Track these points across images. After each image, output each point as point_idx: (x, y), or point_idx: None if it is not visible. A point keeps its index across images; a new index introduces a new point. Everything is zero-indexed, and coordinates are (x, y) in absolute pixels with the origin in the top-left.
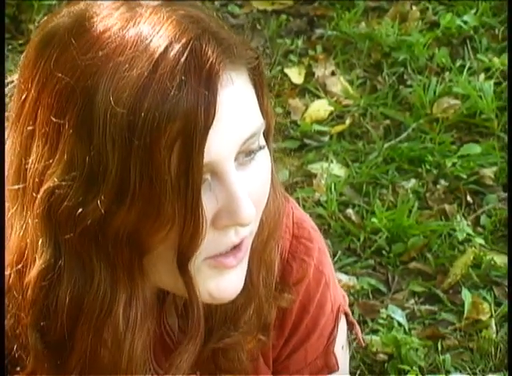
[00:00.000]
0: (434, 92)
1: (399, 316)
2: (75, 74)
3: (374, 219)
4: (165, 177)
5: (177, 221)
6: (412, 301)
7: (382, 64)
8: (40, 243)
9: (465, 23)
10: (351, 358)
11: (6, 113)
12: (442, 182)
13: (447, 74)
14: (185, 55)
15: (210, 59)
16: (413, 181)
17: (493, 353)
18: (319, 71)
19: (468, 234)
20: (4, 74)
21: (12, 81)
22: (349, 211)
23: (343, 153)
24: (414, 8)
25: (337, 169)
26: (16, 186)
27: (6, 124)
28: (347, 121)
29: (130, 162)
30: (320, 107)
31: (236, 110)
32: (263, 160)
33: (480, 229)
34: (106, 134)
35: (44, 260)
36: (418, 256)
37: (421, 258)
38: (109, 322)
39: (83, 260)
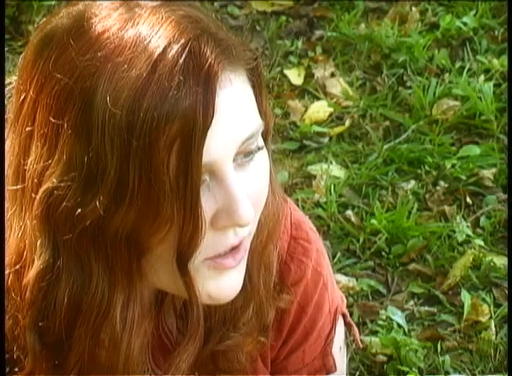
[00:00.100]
0: (434, 94)
1: (399, 317)
2: (74, 75)
3: (374, 221)
4: (164, 177)
5: (176, 221)
6: (411, 302)
7: (382, 65)
8: (38, 244)
9: (465, 24)
10: (351, 359)
11: (6, 115)
12: (442, 183)
13: (447, 75)
14: (183, 55)
15: (209, 60)
16: (413, 182)
17: (492, 355)
18: (319, 72)
19: (468, 235)
20: (4, 74)
21: (11, 83)
22: (349, 212)
23: (342, 155)
24: (414, 9)
25: (337, 170)
26: (15, 187)
27: (6, 125)
28: (347, 123)
29: (129, 162)
30: (320, 108)
31: (235, 111)
32: (262, 161)
33: (479, 231)
34: (105, 134)
35: (42, 261)
36: (417, 257)
37: (421, 260)
38: (106, 322)
39: (81, 261)
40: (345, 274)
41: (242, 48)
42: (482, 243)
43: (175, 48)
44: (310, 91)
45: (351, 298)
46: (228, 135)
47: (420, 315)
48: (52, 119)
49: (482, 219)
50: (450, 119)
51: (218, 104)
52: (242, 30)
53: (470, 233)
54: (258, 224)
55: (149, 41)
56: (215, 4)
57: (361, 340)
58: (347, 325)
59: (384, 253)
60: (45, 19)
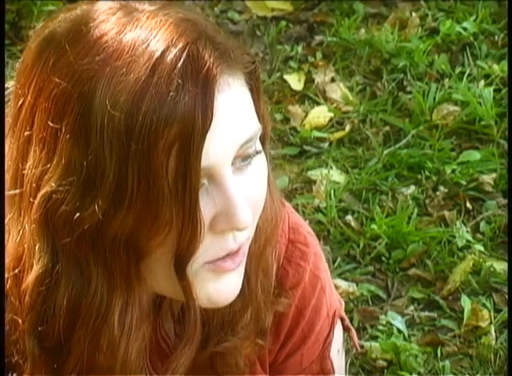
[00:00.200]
0: (434, 99)
1: (399, 322)
2: (72, 79)
3: (374, 226)
4: (163, 181)
5: (175, 225)
6: (411, 307)
7: (382, 71)
8: (37, 248)
9: (465, 29)
10: (351, 364)
11: (5, 119)
12: (442, 188)
13: (446, 80)
14: (182, 59)
15: (207, 64)
16: (413, 187)
17: (492, 360)
18: (319, 78)
19: (467, 241)
20: (4, 78)
21: (8, 88)
22: (349, 217)
23: (342, 160)
24: (414, 14)
25: (337, 175)
26: (13, 192)
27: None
28: (347, 128)
29: (128, 166)
30: (320, 114)
31: (233, 115)
32: (260, 164)
33: (479, 236)
34: (104, 138)
35: (41, 265)
36: (417, 263)
37: (421, 265)
38: (105, 326)
39: (80, 265)
40: (345, 279)
41: (240, 52)
42: (482, 248)
43: (174, 51)
44: (310, 96)
45: (351, 303)
46: (226, 138)
47: (420, 320)
48: (50, 123)
49: (482, 224)
50: (450, 124)
51: (216, 108)
52: (242, 36)
53: (470, 238)
54: (256, 228)
55: (148, 45)
56: (216, 9)
57: (361, 345)
58: (345, 328)
59: (384, 258)
60: (42, 23)
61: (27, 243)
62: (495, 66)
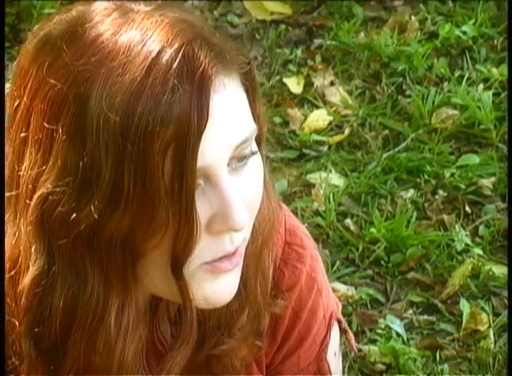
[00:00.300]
0: (433, 103)
1: (397, 326)
2: (68, 80)
3: (373, 229)
4: (159, 181)
5: (171, 225)
6: (410, 311)
7: (381, 74)
8: (33, 250)
9: (464, 33)
10: (350, 368)
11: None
12: (441, 192)
13: (446, 84)
14: (177, 60)
15: (203, 64)
16: (412, 191)
17: (491, 364)
18: (318, 81)
19: (466, 244)
20: (4, 80)
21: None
22: (348, 221)
23: (341, 163)
24: (413, 18)
25: (336, 179)
26: (9, 194)
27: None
28: (346, 131)
29: (123, 167)
30: (319, 117)
31: (229, 115)
32: (256, 165)
33: (478, 240)
34: (100, 139)
35: (37, 267)
36: (416, 266)
37: (419, 269)
38: (101, 328)
39: (76, 266)
40: (344, 283)
41: (235, 53)
42: (481, 252)
43: (169, 52)
44: (309, 99)
45: (350, 306)
46: (222, 139)
47: (418, 324)
48: (46, 124)
49: (481, 228)
50: (449, 128)
51: (212, 108)
52: (241, 39)
53: (469, 241)
54: (253, 229)
55: (143, 46)
56: (215, 12)
57: (360, 349)
58: (342, 331)
59: (382, 262)
60: (38, 25)
61: (23, 245)
62: (495, 70)
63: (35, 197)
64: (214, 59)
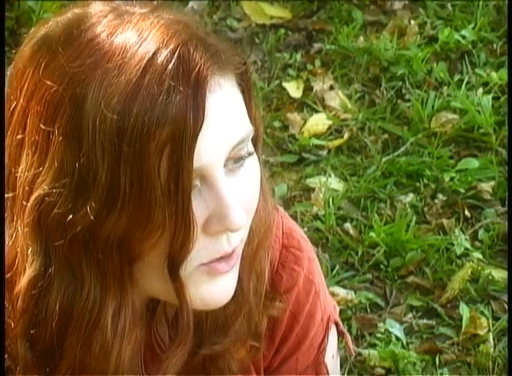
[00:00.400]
0: (433, 107)
1: (397, 330)
2: (64, 82)
3: (372, 233)
4: (155, 182)
5: (167, 226)
6: (410, 315)
7: (380, 78)
8: (30, 251)
9: (463, 37)
10: (349, 372)
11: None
12: (440, 196)
13: (445, 88)
14: (173, 60)
15: (198, 65)
16: (411, 195)
17: (491, 368)
18: (318, 85)
19: (466, 249)
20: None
21: None
22: (347, 225)
23: (341, 168)
24: (412, 22)
25: (335, 183)
26: (6, 195)
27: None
28: (346, 135)
29: (120, 168)
30: (318, 121)
31: (225, 115)
32: (252, 166)
33: (478, 244)
34: (96, 140)
35: (34, 268)
36: (416, 270)
37: (419, 273)
38: (97, 330)
39: (73, 268)
40: (344, 287)
41: (231, 53)
42: (481, 256)
43: (165, 53)
44: (309, 104)
45: (350, 310)
46: (218, 139)
47: (418, 328)
48: (42, 126)
49: (481, 232)
50: (449, 132)
51: (208, 108)
52: (241, 43)
53: (468, 246)
54: (250, 230)
55: (139, 47)
56: (214, 17)
57: (359, 353)
58: (339, 333)
59: (382, 266)
60: (34, 28)
61: (20, 246)
62: (494, 74)
63: (32, 198)
64: (210, 60)
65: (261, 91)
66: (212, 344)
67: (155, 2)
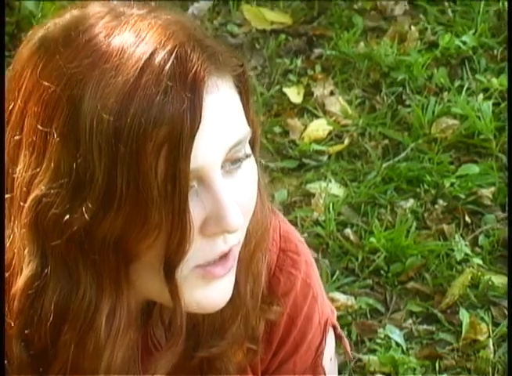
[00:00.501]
0: (433, 112)
1: (397, 335)
2: (61, 82)
3: (372, 239)
4: (152, 183)
5: (164, 227)
6: (410, 321)
7: (381, 84)
8: (26, 252)
9: (464, 43)
10: None
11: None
12: (441, 202)
13: (446, 94)
14: (170, 61)
15: (196, 66)
16: (412, 201)
17: (491, 373)
18: (318, 91)
19: (466, 254)
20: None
21: None
22: (347, 230)
23: (341, 173)
24: (413, 28)
25: (336, 189)
26: (6, 196)
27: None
28: (346, 141)
29: (117, 168)
30: (319, 127)
31: (222, 116)
32: (250, 168)
33: (478, 250)
34: (93, 141)
35: (31, 269)
36: (416, 276)
37: (419, 278)
38: (91, 330)
39: (69, 268)
40: (344, 292)
41: (228, 55)
42: (481, 262)
43: (162, 54)
44: (309, 109)
45: (350, 316)
46: (215, 140)
47: (418, 333)
48: (39, 127)
49: (481, 238)
50: (449, 138)
51: (205, 109)
52: (241, 49)
53: (468, 251)
54: (247, 232)
55: (136, 48)
56: (215, 22)
57: (359, 358)
58: (337, 337)
59: (382, 271)
60: (32, 30)
61: (17, 248)
62: (494, 80)
63: (29, 199)
64: (207, 61)
65: (261, 96)
66: (209, 346)
67: (153, 3)
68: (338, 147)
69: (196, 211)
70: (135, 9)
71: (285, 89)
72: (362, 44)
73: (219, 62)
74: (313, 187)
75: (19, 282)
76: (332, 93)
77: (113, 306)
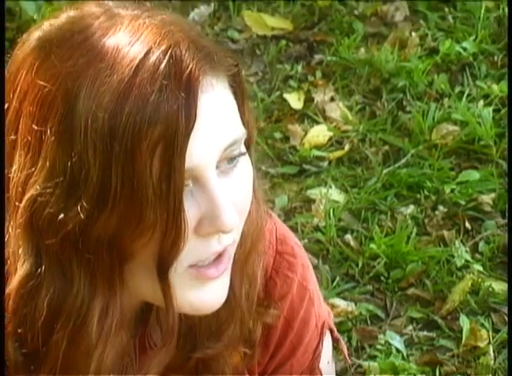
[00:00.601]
0: (433, 119)
1: (397, 342)
2: (56, 82)
3: (373, 245)
4: (147, 181)
5: (159, 226)
6: (410, 327)
7: (381, 90)
8: (21, 252)
9: (464, 49)
10: None
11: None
12: (441, 208)
13: (446, 100)
14: (165, 60)
15: (190, 65)
16: (412, 207)
17: None
18: (319, 97)
19: (466, 260)
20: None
21: None
22: (348, 236)
23: (342, 179)
24: (413, 34)
25: (336, 195)
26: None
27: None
28: (347, 147)
29: (111, 167)
30: (319, 133)
31: (217, 115)
32: (245, 168)
33: (478, 256)
34: (88, 139)
35: (25, 269)
36: (416, 282)
37: (419, 285)
38: (83, 329)
39: (63, 267)
40: (344, 298)
41: (223, 55)
42: (481, 268)
43: (157, 53)
44: (310, 115)
45: (350, 322)
46: (210, 140)
47: (418, 340)
48: (35, 126)
49: (481, 244)
50: (449, 144)
51: (200, 108)
52: (242, 54)
53: (468, 258)
54: (242, 234)
55: (131, 47)
56: (216, 28)
57: (359, 364)
58: (334, 340)
59: (382, 277)
60: (27, 32)
61: (12, 247)
62: (495, 87)
63: (24, 199)
64: (202, 60)
65: (262, 102)
66: (205, 348)
67: (148, 4)
68: (338, 153)
69: (192, 210)
70: (130, 10)
71: (285, 95)
72: (362, 50)
73: (214, 61)
74: (313, 193)
75: (14, 282)
76: (332, 99)
77: (105, 306)
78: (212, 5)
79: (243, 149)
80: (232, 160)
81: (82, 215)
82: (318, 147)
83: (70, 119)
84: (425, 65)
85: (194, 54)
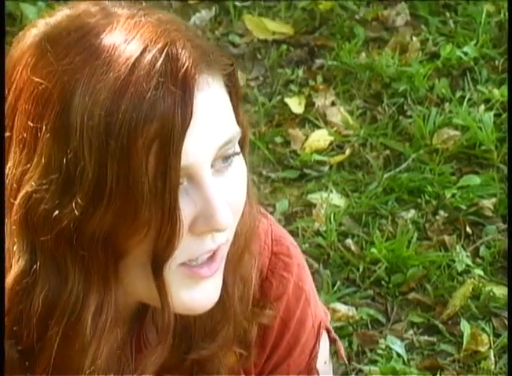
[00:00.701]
0: (434, 123)
1: (398, 346)
2: (53, 79)
3: (373, 250)
4: (142, 179)
5: (153, 223)
6: (411, 331)
7: (382, 95)
8: (16, 249)
9: (465, 54)
10: None
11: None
12: (442, 213)
13: (447, 104)
14: (161, 58)
15: (186, 63)
16: (413, 211)
17: None
18: (319, 101)
19: (467, 265)
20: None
21: None
22: (348, 241)
23: (342, 184)
24: (414, 39)
25: (337, 199)
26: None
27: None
28: (347, 151)
29: (107, 164)
30: (320, 137)
31: (213, 114)
32: (239, 168)
33: (479, 261)
34: (83, 136)
35: (20, 265)
36: (417, 287)
37: (420, 289)
38: (78, 326)
39: (58, 264)
40: (345, 303)
41: (218, 54)
42: (482, 273)
43: (153, 51)
44: (310, 119)
45: (351, 326)
46: (206, 138)
47: (419, 344)
48: (30, 123)
49: (482, 249)
50: (450, 148)
51: (195, 106)
52: (243, 59)
53: (469, 262)
54: (235, 233)
55: (127, 45)
56: (216, 32)
57: (360, 369)
58: (331, 340)
59: (383, 282)
60: (23, 31)
61: (7, 244)
62: (496, 91)
63: (20, 196)
64: (198, 59)
65: (263, 106)
66: (200, 348)
67: (143, 3)
68: (339, 158)
69: (187, 208)
70: (126, 9)
71: (286, 99)
72: (363, 54)
73: (210, 60)
74: (314, 197)
75: (8, 279)
76: (333, 104)
77: (100, 302)
78: (213, 9)
79: (238, 148)
80: (226, 159)
81: (77, 212)
82: (319, 152)
83: (66, 116)
84: (426, 70)
85: (190, 52)
